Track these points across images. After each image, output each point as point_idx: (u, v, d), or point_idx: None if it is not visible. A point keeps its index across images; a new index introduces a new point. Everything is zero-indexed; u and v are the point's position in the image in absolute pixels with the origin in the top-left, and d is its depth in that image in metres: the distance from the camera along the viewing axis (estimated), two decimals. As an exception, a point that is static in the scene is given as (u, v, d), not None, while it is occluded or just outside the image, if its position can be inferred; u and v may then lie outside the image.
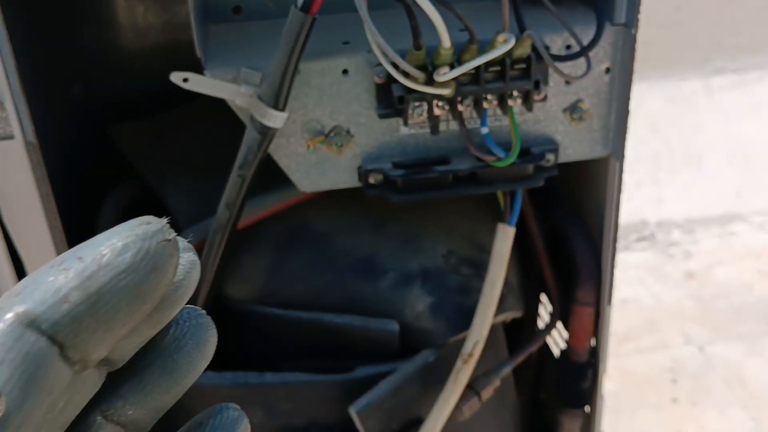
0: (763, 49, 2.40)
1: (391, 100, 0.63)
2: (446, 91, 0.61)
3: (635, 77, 0.66)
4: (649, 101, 2.32)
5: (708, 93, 2.39)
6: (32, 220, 0.60)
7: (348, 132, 0.65)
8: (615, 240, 0.74)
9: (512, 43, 0.59)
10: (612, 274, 0.76)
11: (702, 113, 2.37)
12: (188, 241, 0.23)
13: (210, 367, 0.77)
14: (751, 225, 2.16)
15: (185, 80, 0.60)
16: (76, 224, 0.69)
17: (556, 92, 0.67)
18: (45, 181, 0.59)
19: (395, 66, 0.59)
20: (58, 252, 0.61)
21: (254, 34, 0.68)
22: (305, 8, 0.56)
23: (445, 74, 0.59)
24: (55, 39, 0.84)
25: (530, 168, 0.67)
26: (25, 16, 0.64)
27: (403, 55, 0.58)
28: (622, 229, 1.80)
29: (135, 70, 0.95)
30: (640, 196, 2.23)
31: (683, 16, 2.31)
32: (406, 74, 0.60)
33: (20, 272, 0.62)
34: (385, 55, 0.58)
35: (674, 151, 2.32)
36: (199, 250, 0.68)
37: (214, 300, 0.72)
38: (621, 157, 0.69)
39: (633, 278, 1.96)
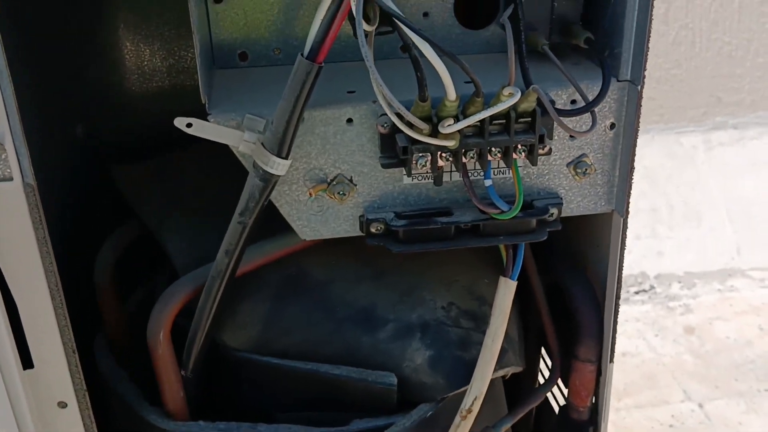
0: (763, 106, 2.42)
1: (394, 150, 0.63)
2: (450, 143, 0.60)
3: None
4: (648, 155, 2.33)
5: (707, 148, 2.40)
6: (28, 264, 0.59)
7: (350, 181, 0.65)
8: (618, 297, 0.73)
9: (518, 97, 0.59)
10: (615, 331, 0.75)
11: (701, 168, 2.38)
12: None
13: (203, 416, 0.75)
14: (752, 280, 2.15)
15: (189, 125, 0.59)
16: (72, 267, 0.68)
17: (560, 146, 0.66)
18: (42, 224, 0.58)
19: (400, 117, 0.59)
20: (53, 296, 0.60)
21: (259, 80, 0.68)
22: (312, 57, 0.56)
23: (449, 126, 0.59)
24: (61, 79, 0.84)
25: (533, 222, 0.67)
26: (31, 57, 0.64)
27: (408, 106, 0.58)
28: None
29: (138, 112, 0.96)
30: (639, 249, 2.22)
31: (683, 71, 2.33)
32: (410, 125, 0.59)
33: (14, 316, 0.61)
34: (390, 105, 0.58)
35: (673, 204, 2.32)
36: (196, 297, 0.67)
37: (210, 347, 0.71)
38: (624, 213, 0.69)
39: (632, 331, 1.94)
